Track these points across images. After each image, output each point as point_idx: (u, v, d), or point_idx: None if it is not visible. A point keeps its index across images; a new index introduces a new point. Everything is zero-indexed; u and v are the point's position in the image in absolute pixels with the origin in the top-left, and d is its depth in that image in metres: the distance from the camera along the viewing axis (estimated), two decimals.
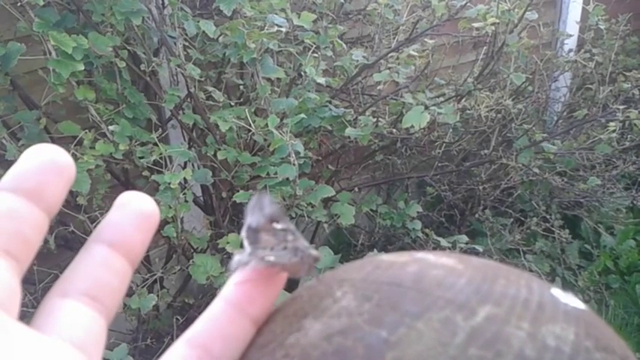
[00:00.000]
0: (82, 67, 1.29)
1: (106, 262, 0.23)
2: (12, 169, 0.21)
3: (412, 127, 1.61)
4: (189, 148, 1.59)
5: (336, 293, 0.23)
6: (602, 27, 2.18)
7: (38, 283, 1.42)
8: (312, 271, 0.25)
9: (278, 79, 1.58)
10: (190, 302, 1.78)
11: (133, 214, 0.24)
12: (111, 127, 1.42)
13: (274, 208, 0.25)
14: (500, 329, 0.20)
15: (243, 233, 0.25)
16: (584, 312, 0.23)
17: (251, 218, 0.25)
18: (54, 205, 0.21)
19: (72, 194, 1.44)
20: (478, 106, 1.96)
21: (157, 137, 1.45)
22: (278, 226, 0.25)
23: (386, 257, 0.26)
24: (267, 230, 0.25)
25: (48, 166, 0.21)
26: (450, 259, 0.24)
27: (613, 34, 2.36)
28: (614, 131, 2.06)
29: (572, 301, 0.23)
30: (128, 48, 1.48)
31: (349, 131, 1.63)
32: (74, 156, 1.34)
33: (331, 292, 0.23)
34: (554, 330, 0.21)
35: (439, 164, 2.16)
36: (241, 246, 0.25)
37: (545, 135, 2.19)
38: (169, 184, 1.37)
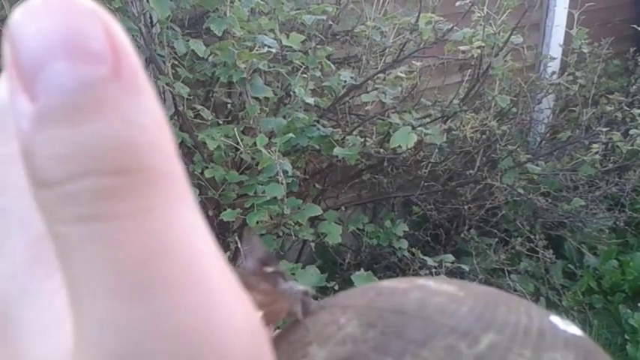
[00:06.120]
0: None
1: None
2: None
3: (399, 147, 1.62)
4: None
5: (340, 320, 0.23)
6: (585, 50, 2.23)
7: None
8: (307, 306, 0.25)
9: (266, 98, 1.59)
10: None
11: None
12: None
13: (264, 252, 0.26)
14: (503, 357, 0.20)
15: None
16: (582, 339, 0.23)
17: (245, 264, 0.26)
18: None
19: None
20: (463, 127, 1.98)
21: None
22: (269, 269, 0.26)
23: (387, 283, 0.26)
24: (260, 275, 0.26)
25: None
26: (451, 285, 0.25)
27: (596, 58, 2.40)
28: (597, 153, 2.10)
29: (570, 328, 0.23)
30: None
31: (337, 151, 1.64)
32: None
33: (335, 318, 0.24)
34: (555, 357, 0.21)
35: (425, 184, 2.18)
36: None
37: (529, 156, 2.22)
38: None
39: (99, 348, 0.14)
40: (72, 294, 0.14)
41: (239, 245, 1.52)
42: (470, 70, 2.08)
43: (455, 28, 1.78)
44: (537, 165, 2.22)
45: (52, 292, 0.17)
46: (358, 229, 2.00)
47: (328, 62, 1.67)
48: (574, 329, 0.24)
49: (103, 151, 0.14)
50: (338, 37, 2.08)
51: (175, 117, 1.59)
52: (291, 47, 1.56)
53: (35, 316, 0.17)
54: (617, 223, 2.40)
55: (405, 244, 1.96)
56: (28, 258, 0.18)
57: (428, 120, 1.89)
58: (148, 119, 0.14)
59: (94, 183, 0.14)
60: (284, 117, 1.58)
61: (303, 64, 1.59)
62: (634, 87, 2.37)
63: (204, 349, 0.14)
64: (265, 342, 0.17)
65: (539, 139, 2.64)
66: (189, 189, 0.15)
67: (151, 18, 1.53)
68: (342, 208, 2.05)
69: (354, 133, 1.82)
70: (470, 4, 1.81)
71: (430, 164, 2.08)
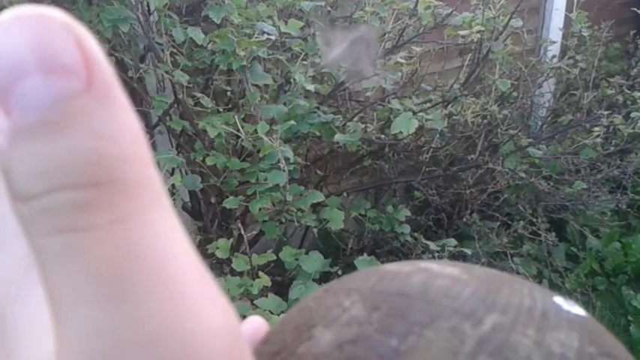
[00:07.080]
0: None
1: None
2: None
3: (400, 132, 1.62)
4: (178, 154, 1.59)
5: (344, 303, 0.24)
6: (585, 34, 2.22)
7: None
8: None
9: (266, 85, 1.59)
10: None
11: None
12: None
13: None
14: (507, 337, 0.21)
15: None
16: (586, 319, 0.23)
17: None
18: None
19: None
20: (464, 111, 1.98)
21: None
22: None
23: (390, 267, 0.26)
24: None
25: None
26: (455, 268, 0.25)
27: (596, 41, 2.39)
28: (598, 136, 2.09)
29: (574, 308, 0.23)
30: (115, 55, 1.47)
31: (339, 137, 1.64)
32: None
33: (340, 301, 0.24)
34: (559, 337, 0.21)
35: (426, 169, 2.17)
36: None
37: (530, 140, 2.22)
38: None
39: (77, 353, 0.15)
40: (52, 302, 0.15)
41: (242, 232, 1.52)
42: (470, 55, 2.07)
43: (454, 12, 1.77)
44: (539, 149, 2.22)
45: (43, 297, 0.17)
46: (360, 214, 2.01)
47: None
48: (578, 309, 0.24)
49: (75, 165, 0.14)
50: (337, 23, 2.06)
51: (175, 105, 1.59)
52: (289, 34, 1.55)
53: (28, 320, 0.18)
54: (619, 205, 2.39)
55: (407, 229, 1.97)
56: (23, 264, 0.18)
57: (428, 105, 1.89)
58: (120, 131, 0.15)
59: (68, 196, 0.14)
60: (284, 104, 1.57)
61: (302, 50, 1.59)
62: (634, 70, 2.36)
63: (177, 353, 0.15)
64: (245, 345, 0.17)
65: (540, 123, 2.63)
66: (164, 195, 0.16)
67: (148, 6, 1.52)
68: (344, 194, 2.05)
69: (355, 119, 1.81)
70: None
71: (431, 149, 2.08)
